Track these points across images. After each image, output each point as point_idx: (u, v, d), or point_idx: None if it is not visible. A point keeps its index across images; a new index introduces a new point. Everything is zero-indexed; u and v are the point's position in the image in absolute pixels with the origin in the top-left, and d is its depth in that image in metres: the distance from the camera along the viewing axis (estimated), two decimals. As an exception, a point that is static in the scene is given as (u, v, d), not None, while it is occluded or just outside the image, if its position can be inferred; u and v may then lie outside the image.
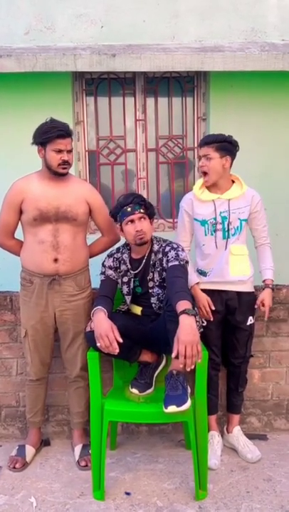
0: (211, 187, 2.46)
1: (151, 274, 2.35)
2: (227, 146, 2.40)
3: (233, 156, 2.43)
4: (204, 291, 2.46)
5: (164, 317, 2.16)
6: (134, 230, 2.27)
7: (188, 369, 1.93)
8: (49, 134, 2.29)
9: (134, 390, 2.32)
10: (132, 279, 2.39)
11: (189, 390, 2.14)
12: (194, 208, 2.46)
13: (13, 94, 3.42)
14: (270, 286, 2.51)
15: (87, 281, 2.52)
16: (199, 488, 2.18)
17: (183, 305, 1.99)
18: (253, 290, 2.53)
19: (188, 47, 3.36)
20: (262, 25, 3.49)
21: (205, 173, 2.43)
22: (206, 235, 2.45)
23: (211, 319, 2.44)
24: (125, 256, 2.39)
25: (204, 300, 2.43)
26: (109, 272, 2.39)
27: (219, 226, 2.43)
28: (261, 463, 2.48)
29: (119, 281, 2.40)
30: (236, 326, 2.51)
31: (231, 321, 2.50)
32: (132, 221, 2.28)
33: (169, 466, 2.46)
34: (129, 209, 2.28)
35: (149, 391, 2.34)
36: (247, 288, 2.50)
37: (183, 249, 2.32)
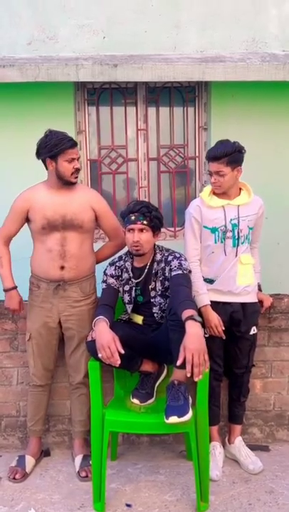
0: (219, 194, 2.44)
1: (153, 283, 2.34)
2: (237, 157, 2.36)
3: (242, 163, 2.41)
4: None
5: (167, 326, 2.16)
6: (132, 239, 2.28)
7: (196, 379, 1.92)
8: (61, 146, 2.33)
9: (135, 400, 2.31)
10: (134, 288, 2.38)
11: (191, 401, 2.12)
12: (203, 214, 2.43)
13: (15, 104, 3.44)
14: (259, 287, 2.59)
15: (93, 287, 2.56)
16: (201, 500, 2.16)
17: (189, 313, 1.99)
18: (256, 300, 2.53)
19: (189, 57, 3.38)
20: (263, 35, 3.51)
21: (217, 186, 2.39)
22: (216, 242, 2.42)
23: (224, 338, 2.43)
24: (128, 264, 2.40)
25: (216, 320, 2.40)
26: (111, 281, 2.38)
27: (229, 234, 2.41)
28: (263, 474, 2.45)
29: (121, 289, 2.40)
30: (239, 336, 2.49)
31: (235, 332, 2.49)
32: (132, 230, 2.28)
33: (170, 477, 2.44)
34: (133, 217, 2.28)
35: (150, 401, 2.33)
36: (251, 298, 2.50)
37: (186, 259, 2.32)
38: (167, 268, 2.29)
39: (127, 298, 2.41)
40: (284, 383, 2.76)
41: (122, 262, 2.42)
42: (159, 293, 2.34)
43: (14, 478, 2.41)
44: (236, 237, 2.41)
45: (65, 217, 2.40)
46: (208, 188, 2.48)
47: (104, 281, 2.40)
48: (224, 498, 2.27)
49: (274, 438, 2.78)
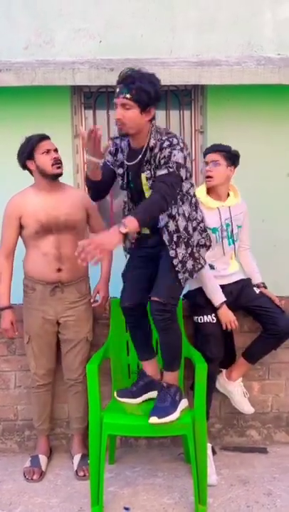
0: (212, 195, 2.54)
1: (148, 171, 2.05)
2: (233, 158, 2.52)
3: (235, 168, 2.55)
4: None
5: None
6: (116, 116, 2.00)
7: (81, 262, 1.74)
8: (31, 142, 2.38)
9: (124, 399, 2.30)
10: (125, 172, 2.16)
11: (186, 404, 2.14)
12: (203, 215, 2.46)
13: (12, 108, 3.44)
14: (264, 286, 2.65)
15: (88, 287, 2.59)
16: (199, 502, 2.16)
17: (127, 222, 1.80)
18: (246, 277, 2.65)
19: (185, 61, 3.40)
20: (258, 39, 3.54)
21: (209, 177, 2.50)
22: (217, 241, 2.50)
23: (237, 328, 2.49)
24: (124, 144, 2.16)
25: (231, 316, 2.46)
26: (108, 158, 2.17)
27: (224, 233, 2.51)
28: (261, 477, 2.45)
29: (116, 170, 2.18)
30: (251, 300, 2.52)
31: (243, 303, 2.53)
32: (116, 105, 1.99)
33: (169, 480, 2.44)
34: (118, 89, 1.97)
35: (138, 400, 2.29)
36: (242, 275, 2.63)
37: (182, 149, 1.99)
38: (159, 155, 1.98)
39: (120, 182, 2.19)
40: (281, 385, 2.76)
41: (119, 141, 2.17)
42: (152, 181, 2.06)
43: (32, 479, 2.43)
44: (230, 236, 2.53)
45: (58, 219, 2.39)
46: (202, 189, 2.53)
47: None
48: (222, 500, 2.27)
49: (272, 440, 2.79)
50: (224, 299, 2.46)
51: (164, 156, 1.96)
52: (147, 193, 2.09)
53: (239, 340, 2.63)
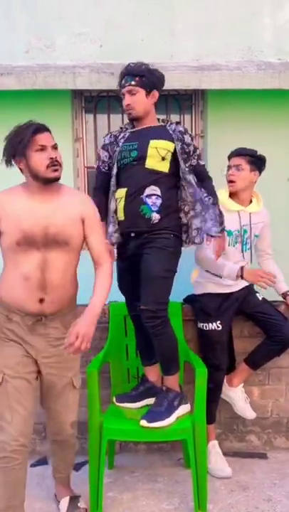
0: (234, 199, 2.51)
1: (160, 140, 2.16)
2: (258, 162, 2.49)
3: (260, 173, 2.52)
4: (216, 295, 2.45)
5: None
6: (124, 104, 2.21)
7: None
8: (24, 134, 1.87)
9: (126, 405, 2.31)
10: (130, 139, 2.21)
11: (186, 410, 2.14)
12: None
13: (13, 111, 3.44)
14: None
15: (75, 319, 2.00)
16: (198, 508, 2.15)
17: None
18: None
19: (186, 65, 3.41)
20: (258, 44, 3.54)
21: (231, 182, 2.47)
22: (229, 245, 2.46)
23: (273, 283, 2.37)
24: (123, 135, 2.25)
25: (257, 275, 2.31)
26: (103, 156, 2.27)
27: (240, 239, 2.48)
28: (261, 482, 2.44)
29: (116, 149, 2.21)
30: (255, 307, 2.51)
31: (247, 309, 2.51)
32: (123, 94, 2.22)
33: (168, 485, 2.43)
34: (123, 81, 2.22)
35: (137, 404, 2.31)
36: (246, 282, 2.52)
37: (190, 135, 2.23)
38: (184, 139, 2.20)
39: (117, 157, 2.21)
40: (281, 390, 2.76)
41: (118, 132, 2.28)
42: None
43: None
44: (245, 242, 2.50)
45: (47, 230, 1.87)
46: (224, 192, 2.51)
47: (98, 159, 2.28)
48: (222, 506, 2.26)
49: (272, 445, 2.78)
50: (240, 264, 2.36)
51: (189, 144, 2.18)
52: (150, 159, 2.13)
53: (239, 346, 2.63)
